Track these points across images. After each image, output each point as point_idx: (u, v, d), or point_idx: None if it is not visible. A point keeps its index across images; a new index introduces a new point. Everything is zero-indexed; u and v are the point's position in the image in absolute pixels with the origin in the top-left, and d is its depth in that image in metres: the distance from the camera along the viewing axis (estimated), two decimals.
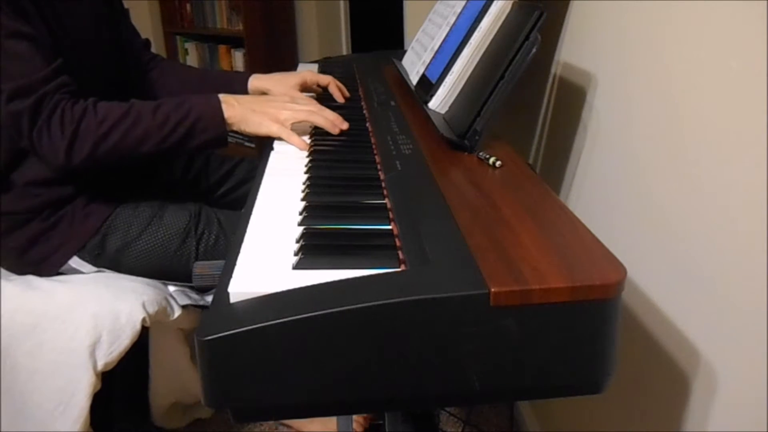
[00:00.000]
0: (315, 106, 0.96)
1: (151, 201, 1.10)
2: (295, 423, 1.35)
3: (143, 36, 1.28)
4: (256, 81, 1.19)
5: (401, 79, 1.17)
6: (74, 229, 1.05)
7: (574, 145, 0.97)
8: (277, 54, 2.96)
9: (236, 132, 0.97)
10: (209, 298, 1.12)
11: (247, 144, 3.03)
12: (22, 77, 0.89)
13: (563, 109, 1.03)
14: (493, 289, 0.47)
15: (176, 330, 1.13)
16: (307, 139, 0.91)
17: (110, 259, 1.06)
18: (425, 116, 0.91)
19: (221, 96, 0.96)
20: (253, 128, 0.94)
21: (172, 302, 1.06)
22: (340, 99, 1.12)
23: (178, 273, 1.09)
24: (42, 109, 0.89)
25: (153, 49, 1.31)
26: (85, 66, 1.01)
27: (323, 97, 1.11)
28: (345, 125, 0.94)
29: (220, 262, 0.57)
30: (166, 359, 1.16)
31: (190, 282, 1.04)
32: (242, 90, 1.18)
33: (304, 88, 1.16)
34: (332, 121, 0.93)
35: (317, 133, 0.93)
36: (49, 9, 0.95)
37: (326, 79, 1.15)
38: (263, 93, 1.16)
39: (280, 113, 0.94)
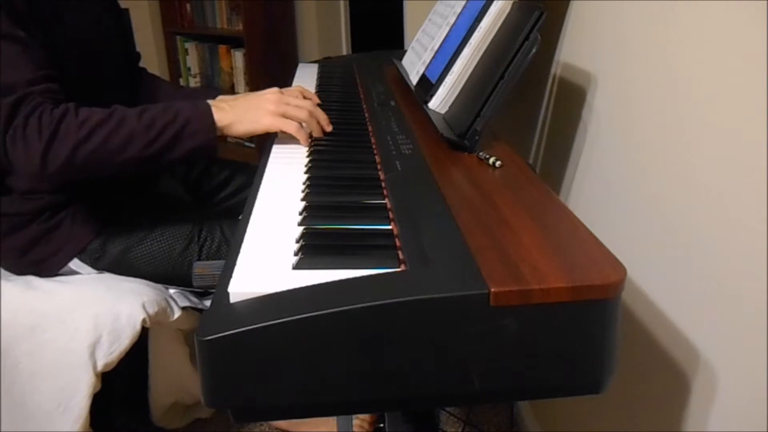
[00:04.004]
0: (311, 105, 0.91)
1: (153, 205, 1.09)
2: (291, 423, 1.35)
3: (143, 36, 1.28)
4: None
5: (401, 79, 1.17)
6: (75, 232, 1.04)
7: (574, 145, 0.97)
8: (277, 54, 2.95)
9: (229, 136, 0.91)
10: (208, 303, 1.12)
11: (247, 144, 3.02)
12: (6, 78, 0.85)
13: (563, 109, 1.03)
14: (493, 289, 0.47)
15: (176, 331, 1.13)
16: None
17: (111, 262, 1.06)
18: (425, 116, 0.91)
19: (210, 101, 0.92)
20: (250, 126, 0.90)
21: (172, 303, 1.06)
22: None
23: (178, 278, 1.08)
24: (19, 111, 0.84)
25: (153, 49, 1.32)
26: (87, 66, 1.01)
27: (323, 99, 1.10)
28: (329, 128, 0.91)
29: (220, 262, 0.57)
30: (166, 360, 1.16)
31: (191, 286, 1.04)
32: None
33: None
34: (323, 124, 0.91)
35: None
36: (48, 11, 0.94)
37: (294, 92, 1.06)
38: None
39: (278, 107, 0.90)
